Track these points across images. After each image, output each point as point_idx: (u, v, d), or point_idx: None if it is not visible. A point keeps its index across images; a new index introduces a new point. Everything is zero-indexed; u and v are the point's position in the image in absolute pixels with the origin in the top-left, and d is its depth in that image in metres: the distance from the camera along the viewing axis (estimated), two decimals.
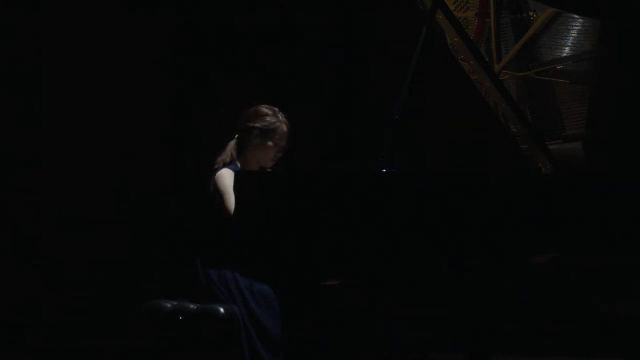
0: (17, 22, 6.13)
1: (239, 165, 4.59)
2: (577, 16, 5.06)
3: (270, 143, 4.57)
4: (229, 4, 6.28)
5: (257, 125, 4.56)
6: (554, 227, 4.03)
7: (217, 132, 5.86)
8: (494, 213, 3.96)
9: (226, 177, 4.50)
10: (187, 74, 6.34)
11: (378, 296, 4.77)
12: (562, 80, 5.09)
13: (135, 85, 6.16)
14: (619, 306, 5.89)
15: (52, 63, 6.13)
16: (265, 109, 4.61)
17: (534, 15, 5.15)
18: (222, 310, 4.37)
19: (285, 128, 4.59)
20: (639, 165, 4.91)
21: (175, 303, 4.52)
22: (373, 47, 5.06)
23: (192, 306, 4.48)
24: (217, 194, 4.48)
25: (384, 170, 3.97)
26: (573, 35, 5.09)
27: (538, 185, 4.14)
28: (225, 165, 4.57)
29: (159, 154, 6.24)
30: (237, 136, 4.62)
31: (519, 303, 5.75)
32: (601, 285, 5.85)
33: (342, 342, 4.60)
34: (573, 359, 5.76)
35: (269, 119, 4.58)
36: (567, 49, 5.10)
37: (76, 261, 6.09)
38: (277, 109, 4.61)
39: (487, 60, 4.99)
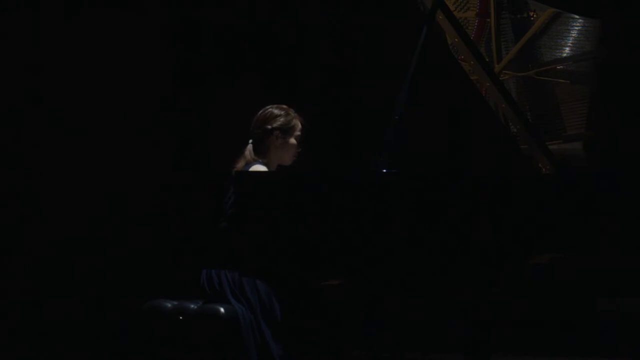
0: (14, 21, 6.14)
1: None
2: (577, 16, 5.06)
3: (292, 140, 4.58)
4: (228, 3, 6.29)
5: (276, 125, 4.56)
6: (554, 227, 4.03)
7: (217, 131, 5.87)
8: (493, 213, 3.96)
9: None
10: (184, 72, 6.35)
11: (378, 296, 4.77)
12: (562, 80, 5.09)
13: (132, 83, 6.16)
14: (619, 306, 5.90)
15: (50, 61, 6.13)
16: (277, 110, 4.61)
17: (534, 15, 5.14)
18: (222, 310, 4.37)
19: (299, 122, 4.61)
20: (639, 165, 4.91)
21: (175, 303, 4.51)
22: (373, 47, 5.06)
23: (192, 306, 4.47)
24: None
25: (384, 170, 3.97)
26: (573, 35, 5.09)
27: (538, 185, 4.13)
28: (248, 165, 4.54)
29: (158, 152, 6.24)
30: (251, 141, 4.59)
31: (519, 303, 5.75)
32: (601, 285, 5.86)
33: (342, 342, 4.60)
34: (573, 359, 5.76)
35: (284, 117, 4.59)
36: (567, 49, 5.10)
37: (75, 261, 6.09)
38: (286, 106, 4.62)
39: (487, 60, 4.98)
